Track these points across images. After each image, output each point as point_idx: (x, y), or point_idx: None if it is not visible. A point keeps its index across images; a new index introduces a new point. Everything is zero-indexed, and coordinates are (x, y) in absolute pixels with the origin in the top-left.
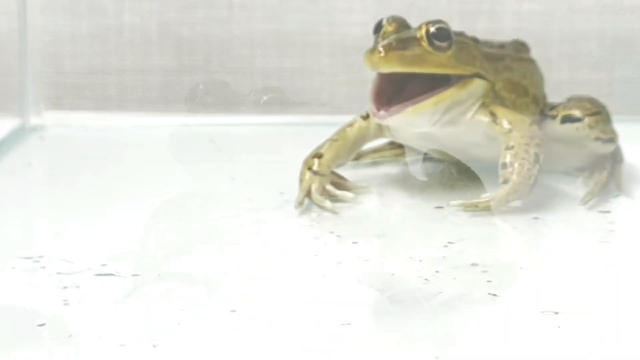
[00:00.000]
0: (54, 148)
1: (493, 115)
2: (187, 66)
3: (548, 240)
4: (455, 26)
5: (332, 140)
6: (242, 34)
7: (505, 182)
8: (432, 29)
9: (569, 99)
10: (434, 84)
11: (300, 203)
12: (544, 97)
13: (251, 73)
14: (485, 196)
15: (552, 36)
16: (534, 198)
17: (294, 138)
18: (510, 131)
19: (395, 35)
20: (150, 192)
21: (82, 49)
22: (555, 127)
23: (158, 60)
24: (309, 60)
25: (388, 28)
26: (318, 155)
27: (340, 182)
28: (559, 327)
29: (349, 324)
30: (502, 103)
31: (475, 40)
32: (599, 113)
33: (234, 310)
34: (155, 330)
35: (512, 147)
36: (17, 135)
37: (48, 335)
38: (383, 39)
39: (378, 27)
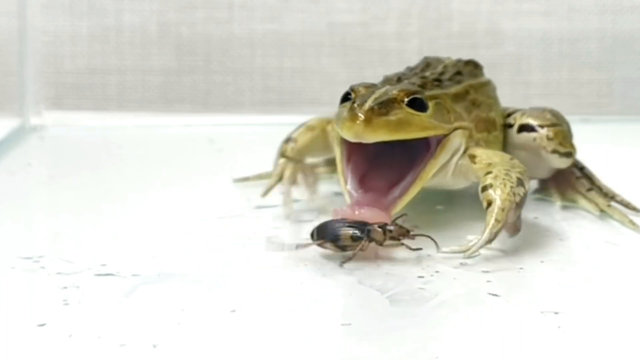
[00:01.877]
0: (54, 148)
1: (472, 157)
2: (187, 66)
3: (548, 240)
4: (455, 26)
5: (308, 127)
6: (242, 34)
7: (489, 204)
8: (405, 100)
9: (531, 107)
10: (407, 144)
11: (270, 187)
12: (503, 111)
13: (251, 73)
14: (471, 239)
15: (552, 36)
16: (534, 198)
17: None
18: (490, 164)
19: (372, 97)
20: (150, 192)
21: (82, 49)
22: (512, 135)
23: (158, 60)
24: (309, 60)
25: (359, 92)
26: (291, 139)
27: (308, 177)
28: (559, 327)
29: (349, 324)
30: (477, 144)
31: (437, 80)
32: (558, 125)
33: (234, 310)
34: (155, 330)
35: (492, 172)
36: (17, 135)
37: (48, 335)
38: (357, 103)
39: (346, 98)
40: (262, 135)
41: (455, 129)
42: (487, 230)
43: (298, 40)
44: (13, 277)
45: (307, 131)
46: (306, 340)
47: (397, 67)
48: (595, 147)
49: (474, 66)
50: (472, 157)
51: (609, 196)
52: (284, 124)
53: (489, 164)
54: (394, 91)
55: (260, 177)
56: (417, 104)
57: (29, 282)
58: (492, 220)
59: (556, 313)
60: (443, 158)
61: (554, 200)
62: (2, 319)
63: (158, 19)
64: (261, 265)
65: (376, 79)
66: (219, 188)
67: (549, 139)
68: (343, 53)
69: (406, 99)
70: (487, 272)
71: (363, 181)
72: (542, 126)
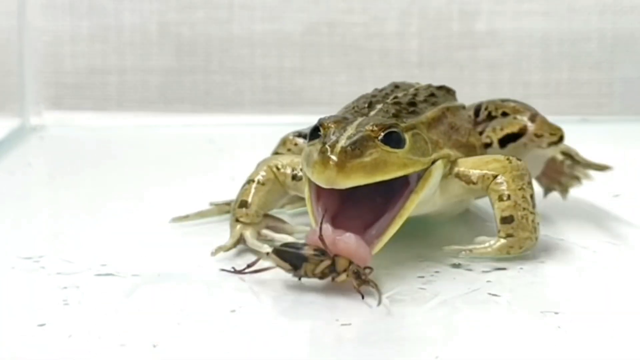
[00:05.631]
0: (54, 148)
1: (461, 176)
2: (187, 66)
3: (548, 240)
4: (455, 26)
5: (258, 184)
6: (242, 34)
7: (509, 236)
8: (380, 136)
9: (482, 111)
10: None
11: (227, 249)
12: (478, 135)
13: (251, 73)
14: (480, 240)
15: (552, 36)
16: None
17: None
18: (495, 177)
19: (345, 135)
20: (150, 192)
21: (82, 49)
22: (497, 152)
23: (158, 60)
24: (309, 60)
25: (328, 129)
26: (244, 203)
27: (276, 226)
28: (559, 327)
29: (349, 324)
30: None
31: (411, 103)
32: (534, 115)
33: (234, 310)
34: (155, 330)
35: (509, 197)
36: (17, 135)
37: (48, 335)
38: (328, 143)
39: (315, 134)
40: (262, 135)
41: (434, 160)
42: (496, 250)
43: (298, 40)
44: (13, 277)
45: (258, 190)
46: (306, 340)
47: (397, 67)
48: (595, 147)
49: (446, 91)
50: (464, 177)
51: (582, 163)
52: (284, 124)
53: (494, 177)
54: (367, 126)
55: (201, 215)
56: (394, 139)
57: (29, 282)
58: (505, 248)
59: (556, 313)
60: (425, 193)
61: (562, 195)
62: (2, 319)
63: (158, 19)
64: (261, 265)
65: (376, 78)
66: (219, 188)
67: (538, 136)
68: (343, 53)
69: (382, 134)
70: (487, 272)
71: (335, 222)
72: (523, 129)
